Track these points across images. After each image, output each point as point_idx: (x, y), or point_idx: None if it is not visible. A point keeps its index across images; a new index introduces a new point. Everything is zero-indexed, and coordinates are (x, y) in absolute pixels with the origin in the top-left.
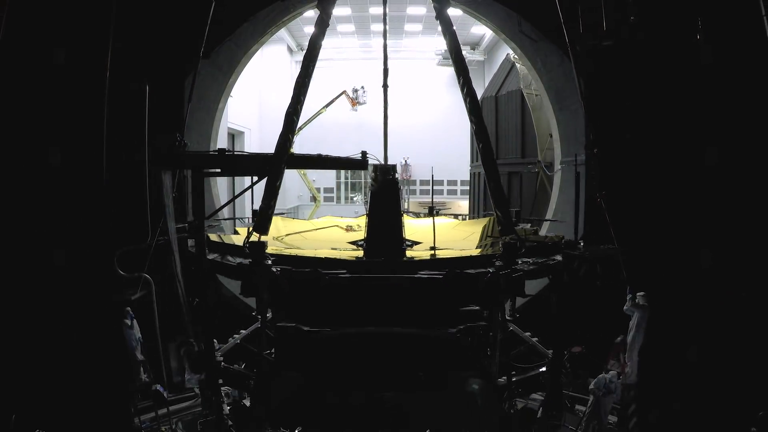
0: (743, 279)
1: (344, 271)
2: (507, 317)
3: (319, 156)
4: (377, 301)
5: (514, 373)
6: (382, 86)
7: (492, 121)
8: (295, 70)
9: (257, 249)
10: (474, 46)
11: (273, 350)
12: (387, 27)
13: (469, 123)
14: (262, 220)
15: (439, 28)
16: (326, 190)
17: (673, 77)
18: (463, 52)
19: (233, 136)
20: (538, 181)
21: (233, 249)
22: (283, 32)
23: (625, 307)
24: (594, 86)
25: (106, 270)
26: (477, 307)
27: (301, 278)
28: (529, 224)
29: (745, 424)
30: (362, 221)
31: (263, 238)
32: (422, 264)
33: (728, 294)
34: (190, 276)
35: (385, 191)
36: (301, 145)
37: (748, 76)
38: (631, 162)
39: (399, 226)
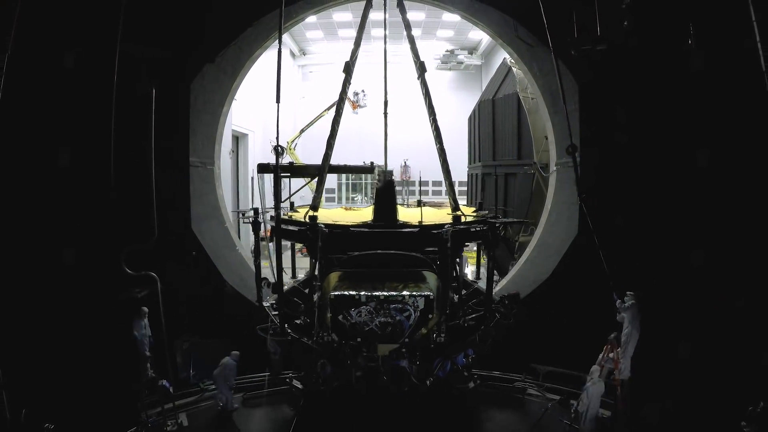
0: (733, 280)
1: (365, 228)
2: (473, 280)
3: (345, 165)
4: (382, 242)
5: (474, 315)
6: (383, 113)
7: (489, 124)
8: (298, 74)
9: (313, 218)
10: (472, 50)
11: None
12: (387, 70)
13: (466, 126)
14: (315, 203)
15: (438, 33)
16: (328, 190)
17: (665, 81)
18: (462, 56)
19: (237, 138)
20: (534, 181)
21: (288, 223)
22: (286, 37)
23: (618, 317)
24: (587, 90)
25: (113, 268)
26: (435, 248)
27: (339, 232)
28: (487, 211)
29: (736, 419)
30: (361, 208)
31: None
32: (406, 226)
33: (720, 297)
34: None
35: (386, 188)
36: (304, 145)
37: (739, 80)
38: (621, 163)
39: (394, 208)
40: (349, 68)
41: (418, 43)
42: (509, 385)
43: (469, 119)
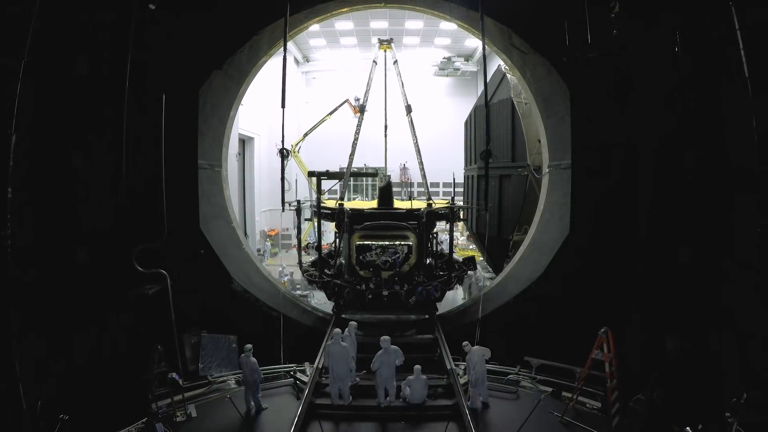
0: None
1: (373, 210)
2: (447, 252)
3: (358, 170)
4: (384, 218)
5: (444, 272)
6: (384, 135)
7: (484, 128)
8: (301, 80)
9: (341, 205)
10: (467, 57)
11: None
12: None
13: (463, 129)
14: (341, 196)
15: (435, 41)
16: (330, 192)
17: (655, 85)
18: (458, 63)
19: (244, 141)
20: (528, 183)
21: (325, 208)
22: (290, 45)
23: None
24: (578, 95)
25: (125, 265)
26: (415, 222)
27: (358, 213)
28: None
29: (720, 410)
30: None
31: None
32: (399, 209)
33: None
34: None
35: (386, 186)
36: (308, 148)
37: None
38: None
39: (391, 198)
40: (363, 109)
41: (416, 51)
42: (503, 377)
43: (466, 123)
